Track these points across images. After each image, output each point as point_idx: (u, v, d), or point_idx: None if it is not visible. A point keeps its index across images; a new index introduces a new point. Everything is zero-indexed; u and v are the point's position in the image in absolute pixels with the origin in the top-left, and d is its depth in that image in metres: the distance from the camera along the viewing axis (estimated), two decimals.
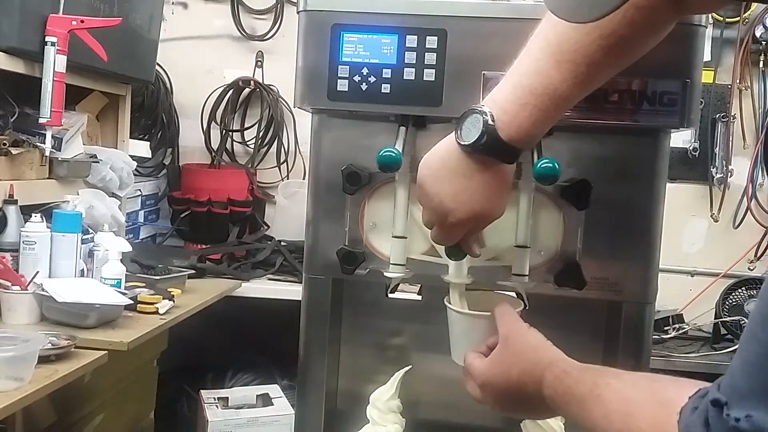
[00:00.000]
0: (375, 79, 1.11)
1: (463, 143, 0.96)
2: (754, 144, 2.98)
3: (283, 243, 2.71)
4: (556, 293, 1.14)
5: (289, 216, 2.77)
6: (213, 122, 3.01)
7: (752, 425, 0.57)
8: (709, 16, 2.60)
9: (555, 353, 0.94)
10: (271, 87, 2.99)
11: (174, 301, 2.00)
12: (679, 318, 2.90)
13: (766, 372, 0.58)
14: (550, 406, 0.89)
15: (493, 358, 0.98)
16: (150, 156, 2.82)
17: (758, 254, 2.99)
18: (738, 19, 2.92)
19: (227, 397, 2.41)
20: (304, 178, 2.90)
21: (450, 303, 1.11)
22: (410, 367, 1.24)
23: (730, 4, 2.54)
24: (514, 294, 1.14)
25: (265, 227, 2.88)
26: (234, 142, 3.06)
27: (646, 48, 0.96)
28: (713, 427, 0.61)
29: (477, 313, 1.09)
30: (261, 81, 3.01)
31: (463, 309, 1.10)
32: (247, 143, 3.04)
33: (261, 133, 2.99)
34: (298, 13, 1.16)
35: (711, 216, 3.02)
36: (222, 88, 3.00)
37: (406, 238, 1.12)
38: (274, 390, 2.45)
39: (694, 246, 3.07)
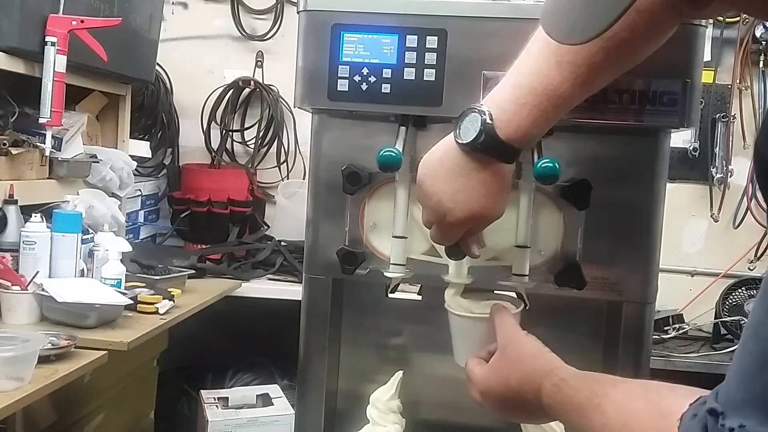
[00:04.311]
0: (375, 79, 1.11)
1: (461, 142, 0.96)
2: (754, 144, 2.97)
3: (283, 243, 2.71)
4: (556, 293, 1.14)
5: (289, 216, 2.77)
6: (213, 122, 3.01)
7: None
8: None
9: (553, 361, 0.94)
10: (271, 87, 2.99)
11: (174, 301, 2.00)
12: (679, 318, 2.90)
13: (757, 383, 0.60)
14: (549, 414, 0.90)
15: (492, 366, 0.99)
16: (150, 156, 2.81)
17: (758, 254, 2.99)
18: (738, 19, 2.91)
19: (227, 397, 2.40)
20: (304, 178, 2.90)
21: (451, 305, 1.11)
22: (402, 371, 1.24)
23: (731, 12, 2.54)
24: (514, 294, 1.14)
25: (265, 227, 2.88)
26: (234, 142, 3.06)
27: (648, 52, 0.96)
28: None
29: (475, 315, 1.09)
30: (261, 81, 3.01)
31: (460, 310, 1.10)
32: (247, 143, 3.04)
33: (261, 133, 2.99)
34: (298, 13, 1.16)
35: (711, 216, 3.02)
36: (222, 88, 2.99)
37: (406, 238, 1.12)
38: (274, 390, 2.45)
39: (694, 246, 3.07)
